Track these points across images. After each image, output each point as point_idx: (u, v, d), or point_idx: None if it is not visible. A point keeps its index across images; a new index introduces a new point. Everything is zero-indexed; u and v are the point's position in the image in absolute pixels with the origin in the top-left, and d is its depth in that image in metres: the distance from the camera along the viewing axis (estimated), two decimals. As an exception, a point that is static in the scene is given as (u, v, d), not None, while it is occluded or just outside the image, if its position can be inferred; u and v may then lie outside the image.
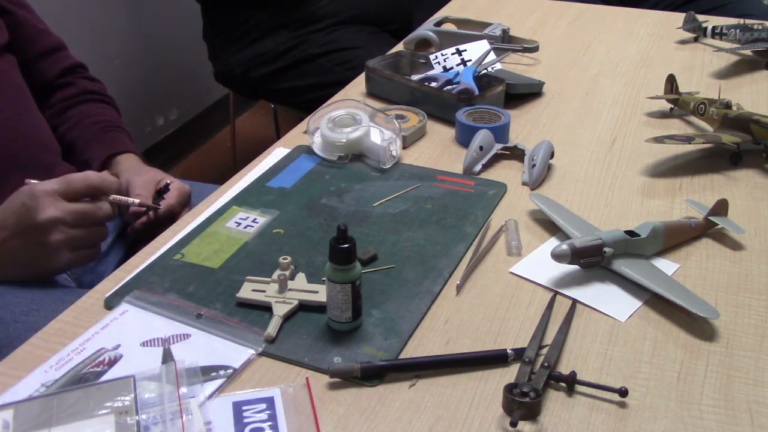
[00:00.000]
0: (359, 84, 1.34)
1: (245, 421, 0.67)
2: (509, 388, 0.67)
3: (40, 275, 1.03)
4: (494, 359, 0.74)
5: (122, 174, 1.18)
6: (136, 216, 1.12)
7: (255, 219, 0.96)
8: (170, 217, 1.11)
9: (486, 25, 1.50)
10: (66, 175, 1.01)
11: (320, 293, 0.81)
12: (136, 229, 1.13)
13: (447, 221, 0.96)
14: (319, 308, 0.80)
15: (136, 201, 1.09)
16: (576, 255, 0.83)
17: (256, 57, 1.93)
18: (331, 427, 0.67)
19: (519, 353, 0.74)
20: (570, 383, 0.71)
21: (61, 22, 1.48)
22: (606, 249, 0.84)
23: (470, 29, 1.52)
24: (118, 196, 1.04)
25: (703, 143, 1.10)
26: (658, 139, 1.07)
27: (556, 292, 0.84)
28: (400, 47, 1.50)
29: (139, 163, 1.23)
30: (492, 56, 1.30)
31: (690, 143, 1.09)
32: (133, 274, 0.86)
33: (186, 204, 1.16)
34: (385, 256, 0.89)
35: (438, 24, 1.54)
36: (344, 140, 1.08)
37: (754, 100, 1.30)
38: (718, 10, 1.90)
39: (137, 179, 1.15)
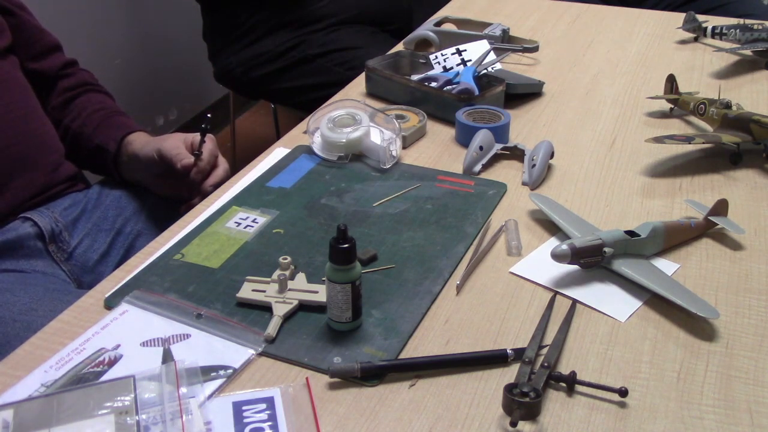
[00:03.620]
0: (359, 84, 1.34)
1: (245, 421, 0.67)
2: (509, 388, 0.67)
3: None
4: (494, 359, 0.74)
5: (144, 147, 1.20)
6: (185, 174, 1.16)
7: (255, 219, 0.96)
8: (212, 167, 1.18)
9: (486, 25, 1.50)
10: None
11: (320, 293, 0.81)
12: (190, 182, 1.16)
13: (447, 221, 0.96)
14: (319, 308, 0.80)
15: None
16: (576, 255, 0.83)
17: (256, 57, 1.92)
18: (331, 427, 0.67)
19: (519, 353, 0.74)
20: (570, 383, 0.71)
21: (61, 22, 1.48)
22: (606, 249, 0.84)
23: (470, 29, 1.52)
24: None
25: (703, 143, 1.10)
26: (658, 139, 1.07)
27: (556, 292, 0.84)
28: (400, 47, 1.50)
29: (152, 137, 1.26)
30: (492, 56, 1.30)
31: (690, 143, 1.09)
32: (133, 274, 0.86)
33: (217, 155, 1.21)
34: (385, 256, 0.89)
35: (438, 24, 1.54)
36: (344, 140, 1.08)
37: (754, 100, 1.30)
38: (718, 10, 1.90)
39: (165, 144, 1.17)
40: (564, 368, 0.73)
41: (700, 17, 1.55)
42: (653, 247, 0.89)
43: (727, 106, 1.14)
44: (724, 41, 1.49)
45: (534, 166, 1.05)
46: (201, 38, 2.07)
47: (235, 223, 0.95)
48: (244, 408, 0.69)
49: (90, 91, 1.33)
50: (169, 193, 1.22)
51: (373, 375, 0.72)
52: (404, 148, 1.14)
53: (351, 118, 1.11)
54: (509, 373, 0.73)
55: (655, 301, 0.82)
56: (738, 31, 1.45)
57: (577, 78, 1.38)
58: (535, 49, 1.45)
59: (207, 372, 0.72)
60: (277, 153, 1.12)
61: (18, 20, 1.25)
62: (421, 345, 0.77)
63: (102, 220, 1.20)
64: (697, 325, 0.79)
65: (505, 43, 1.47)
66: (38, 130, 1.20)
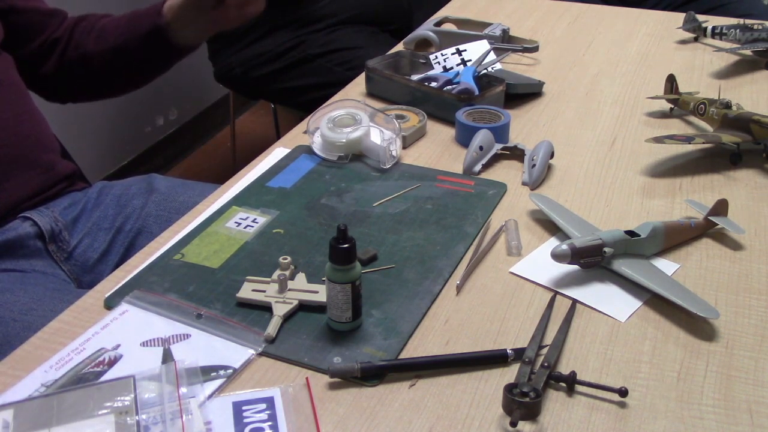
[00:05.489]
0: (359, 84, 1.34)
1: (245, 421, 0.67)
2: (509, 388, 0.67)
3: None
4: (494, 359, 0.74)
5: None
6: None
7: (255, 219, 0.96)
8: None
9: (486, 25, 1.50)
10: None
11: (320, 293, 0.81)
12: None
13: (447, 221, 0.96)
14: (319, 308, 0.80)
15: None
16: (576, 255, 0.83)
17: (256, 57, 1.93)
18: (331, 427, 0.67)
19: (519, 353, 0.74)
20: (570, 383, 0.71)
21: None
22: (606, 249, 0.84)
23: (470, 29, 1.52)
24: None
25: (703, 143, 1.10)
26: (658, 139, 1.07)
27: (556, 292, 0.84)
28: (400, 47, 1.50)
29: None
30: (492, 56, 1.30)
31: (690, 143, 1.09)
32: (133, 274, 0.86)
33: None
34: (385, 256, 0.89)
35: (438, 24, 1.54)
36: (344, 140, 1.08)
37: (754, 100, 1.30)
38: (718, 10, 1.90)
39: None
40: (564, 368, 0.73)
41: (700, 17, 1.55)
42: (653, 247, 0.89)
43: (727, 106, 1.14)
44: (724, 41, 1.49)
45: (534, 166, 1.05)
46: (201, 38, 2.07)
47: (235, 223, 0.95)
48: (244, 408, 0.69)
49: (105, 17, 1.34)
50: (227, 21, 1.28)
51: (373, 375, 0.72)
52: (404, 148, 1.14)
53: (351, 118, 1.11)
54: (509, 373, 0.73)
55: (655, 301, 0.82)
56: (738, 31, 1.45)
57: (577, 78, 1.38)
58: (535, 49, 1.45)
59: (207, 372, 0.72)
60: (277, 153, 1.12)
61: (15, 14, 1.25)
62: (421, 345, 0.77)
63: (102, 219, 1.20)
64: (697, 325, 0.79)
65: (505, 43, 1.47)
66: (32, 129, 1.20)
